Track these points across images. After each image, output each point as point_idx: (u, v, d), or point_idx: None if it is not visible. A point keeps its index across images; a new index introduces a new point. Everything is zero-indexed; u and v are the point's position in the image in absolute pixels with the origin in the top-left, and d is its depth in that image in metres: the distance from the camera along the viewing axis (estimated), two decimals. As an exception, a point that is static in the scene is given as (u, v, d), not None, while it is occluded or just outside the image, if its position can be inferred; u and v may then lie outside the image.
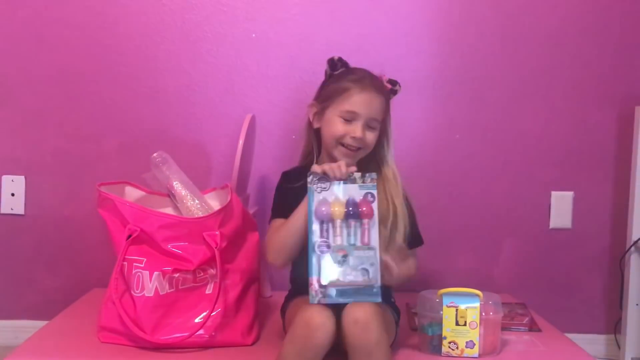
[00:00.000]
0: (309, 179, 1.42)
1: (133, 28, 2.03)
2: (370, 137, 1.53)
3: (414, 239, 1.60)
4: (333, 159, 1.51)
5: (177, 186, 1.67)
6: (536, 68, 2.08)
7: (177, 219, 1.55)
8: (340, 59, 1.57)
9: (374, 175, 1.43)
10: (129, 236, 1.51)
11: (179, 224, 1.53)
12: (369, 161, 1.58)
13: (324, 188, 1.41)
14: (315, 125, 1.57)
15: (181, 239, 1.52)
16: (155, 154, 1.68)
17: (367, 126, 1.52)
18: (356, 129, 1.50)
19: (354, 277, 1.37)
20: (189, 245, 1.52)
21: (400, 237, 1.52)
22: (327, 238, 1.39)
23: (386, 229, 1.50)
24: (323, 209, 1.40)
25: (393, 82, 1.59)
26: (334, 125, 1.51)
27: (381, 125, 1.55)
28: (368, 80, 1.53)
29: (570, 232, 2.12)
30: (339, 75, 1.55)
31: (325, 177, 1.42)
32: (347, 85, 1.51)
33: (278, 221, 1.53)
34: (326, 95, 1.54)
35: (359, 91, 1.50)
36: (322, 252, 1.38)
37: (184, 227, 1.52)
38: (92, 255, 2.04)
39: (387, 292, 1.55)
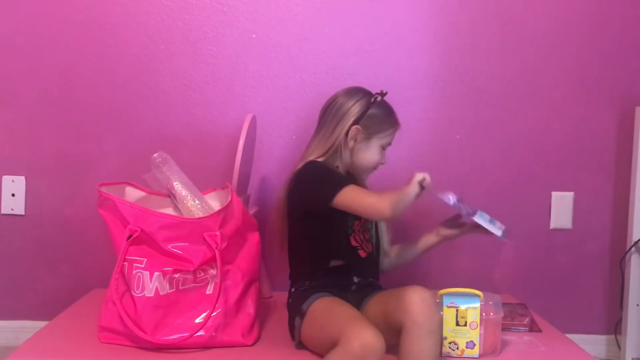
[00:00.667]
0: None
1: (133, 28, 2.03)
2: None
3: None
4: (350, 174, 1.71)
5: (177, 186, 1.67)
6: (536, 68, 2.08)
7: (177, 220, 1.55)
8: (382, 92, 1.71)
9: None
10: (130, 236, 1.50)
11: (180, 224, 1.53)
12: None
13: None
14: (352, 146, 1.67)
15: (181, 240, 1.52)
16: (155, 155, 1.68)
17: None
18: (385, 157, 1.73)
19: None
20: (189, 245, 1.52)
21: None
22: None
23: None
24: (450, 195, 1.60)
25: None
26: (377, 154, 1.70)
27: None
28: (396, 119, 1.73)
29: (571, 232, 2.12)
30: (380, 108, 1.69)
31: None
32: (392, 123, 1.71)
33: (355, 187, 1.58)
34: (375, 127, 1.68)
35: (396, 129, 1.72)
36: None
37: (184, 228, 1.52)
38: (92, 256, 2.04)
39: None
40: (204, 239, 1.52)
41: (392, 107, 1.72)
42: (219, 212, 1.55)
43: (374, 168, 1.73)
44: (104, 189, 1.58)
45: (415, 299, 1.39)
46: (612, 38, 2.08)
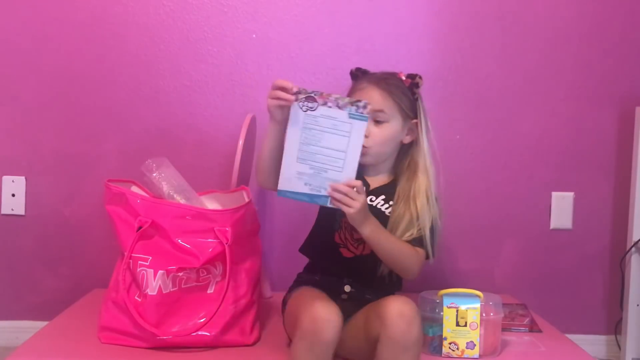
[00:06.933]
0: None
1: (133, 28, 2.03)
2: (375, 131, 1.52)
3: (419, 239, 1.53)
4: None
5: (168, 193, 1.64)
6: (536, 68, 2.08)
7: (191, 210, 1.53)
8: (358, 69, 1.61)
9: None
10: (139, 228, 1.50)
11: (194, 214, 1.52)
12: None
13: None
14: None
15: (191, 232, 1.51)
16: (148, 161, 1.67)
17: (374, 120, 1.52)
18: None
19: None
20: (198, 240, 1.51)
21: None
22: None
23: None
24: None
25: (411, 76, 1.58)
26: None
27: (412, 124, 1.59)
28: (367, 78, 1.56)
29: (571, 232, 2.12)
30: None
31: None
32: (353, 88, 1.58)
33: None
34: None
35: (359, 90, 1.54)
36: None
37: (197, 219, 1.51)
38: (93, 256, 2.04)
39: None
40: (215, 234, 1.51)
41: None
42: (236, 209, 1.54)
43: None
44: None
45: (393, 313, 1.32)
46: (612, 38, 2.08)
